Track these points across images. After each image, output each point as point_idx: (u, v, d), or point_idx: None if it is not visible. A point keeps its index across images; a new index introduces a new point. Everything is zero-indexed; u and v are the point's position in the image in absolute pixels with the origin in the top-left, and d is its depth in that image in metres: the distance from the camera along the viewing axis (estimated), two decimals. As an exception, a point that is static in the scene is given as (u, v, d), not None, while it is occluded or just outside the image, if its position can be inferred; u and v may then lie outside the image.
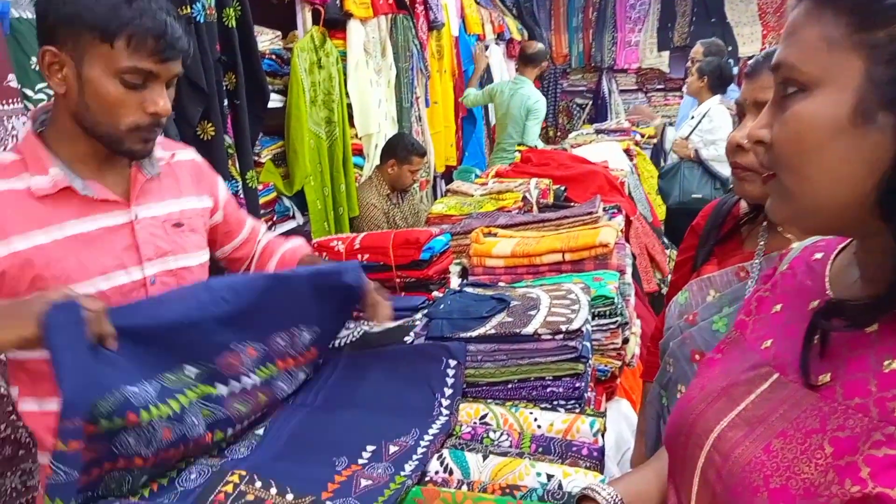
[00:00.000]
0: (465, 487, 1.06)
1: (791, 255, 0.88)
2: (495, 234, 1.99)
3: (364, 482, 1.03)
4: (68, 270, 1.18)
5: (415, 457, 1.11)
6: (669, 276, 3.33)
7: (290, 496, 0.78)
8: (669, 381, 1.35)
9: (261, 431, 1.19)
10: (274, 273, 1.25)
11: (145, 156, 1.26)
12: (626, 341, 1.62)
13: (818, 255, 0.82)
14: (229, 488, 0.76)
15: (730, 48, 6.82)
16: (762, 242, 1.30)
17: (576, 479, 1.06)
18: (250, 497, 0.76)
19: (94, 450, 0.89)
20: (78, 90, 1.16)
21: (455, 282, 1.87)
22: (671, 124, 5.54)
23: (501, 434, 1.18)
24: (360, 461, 1.10)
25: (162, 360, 1.06)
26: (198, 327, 1.11)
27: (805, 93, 0.66)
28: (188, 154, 1.46)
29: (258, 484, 0.77)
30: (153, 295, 1.07)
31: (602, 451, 1.15)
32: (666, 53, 8.07)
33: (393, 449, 1.13)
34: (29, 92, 1.77)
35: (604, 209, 2.23)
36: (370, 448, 1.13)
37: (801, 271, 0.83)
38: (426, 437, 1.16)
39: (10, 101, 1.71)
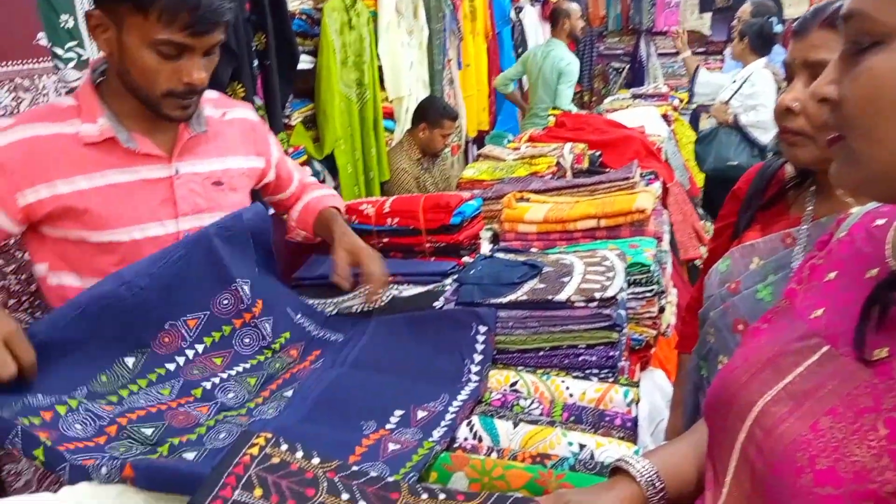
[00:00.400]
0: (494, 455, 1.04)
1: (850, 221, 0.82)
2: (528, 200, 1.94)
3: (392, 447, 1.02)
4: (105, 217, 1.24)
5: (443, 423, 1.10)
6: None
7: (315, 460, 0.76)
8: (709, 351, 1.31)
9: (289, 393, 1.18)
10: (182, 240, 1.23)
11: (184, 120, 1.30)
12: (661, 310, 1.58)
13: (880, 222, 0.76)
14: (254, 451, 0.75)
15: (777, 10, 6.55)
16: (810, 208, 1.24)
17: (609, 449, 1.03)
18: (276, 460, 0.74)
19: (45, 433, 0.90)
20: (119, 54, 1.20)
21: (486, 247, 1.83)
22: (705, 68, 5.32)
23: (532, 402, 1.15)
24: (388, 426, 1.09)
25: (87, 368, 1.05)
26: (123, 320, 1.09)
27: (881, 46, 0.60)
28: (241, 112, 1.49)
29: (284, 447, 0.76)
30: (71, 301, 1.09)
31: (636, 421, 1.12)
32: (708, 15, 7.80)
33: (421, 414, 1.12)
34: (59, 51, 1.76)
35: (640, 175, 2.16)
36: (398, 413, 1.12)
37: (859, 238, 0.78)
38: (455, 403, 1.14)
39: (40, 59, 1.70)
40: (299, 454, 0.76)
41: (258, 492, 0.70)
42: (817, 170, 1.20)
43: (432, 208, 1.71)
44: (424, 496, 0.73)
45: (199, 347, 1.17)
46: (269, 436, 0.77)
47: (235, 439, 0.78)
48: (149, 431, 0.97)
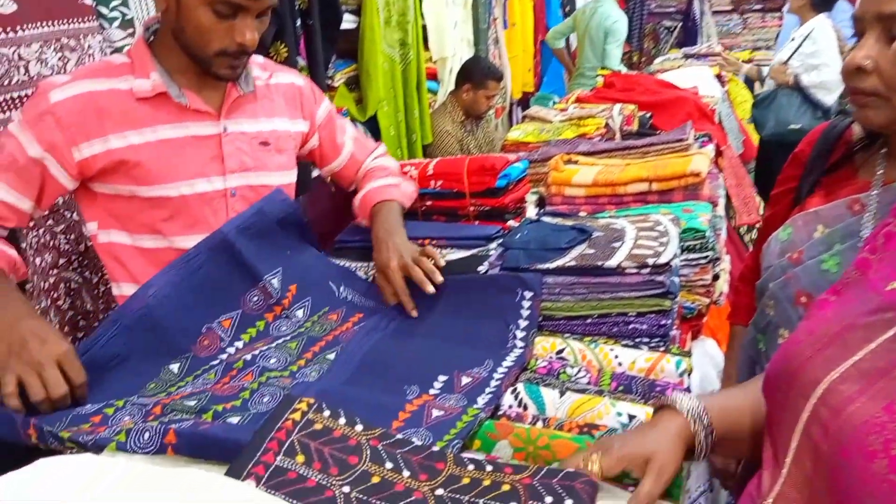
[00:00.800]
0: (539, 424, 1.01)
1: None
2: (576, 162, 1.88)
3: (436, 413, 1.00)
4: (155, 172, 1.27)
5: (488, 389, 1.07)
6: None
7: (359, 427, 0.74)
8: (769, 325, 1.25)
9: (331, 356, 1.17)
10: (199, 244, 1.23)
11: (233, 79, 1.32)
12: (715, 278, 1.52)
13: None
14: (297, 416, 0.73)
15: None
16: (880, 171, 1.16)
17: None
18: (318, 426, 0.73)
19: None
20: (176, 11, 1.22)
21: (531, 211, 1.79)
22: (769, 48, 5.09)
23: (579, 370, 1.12)
24: (432, 391, 1.07)
25: (135, 380, 1.08)
26: (159, 330, 1.12)
27: None
28: (288, 77, 1.50)
29: (326, 413, 0.74)
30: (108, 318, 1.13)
31: (688, 392, 1.07)
32: (765, -32, 7.43)
33: (465, 380, 1.10)
34: (104, 10, 1.75)
35: (694, 137, 2.07)
36: (442, 378, 1.10)
37: None
38: (500, 370, 1.12)
39: (86, 18, 1.70)
40: (342, 420, 0.74)
41: (300, 458, 0.69)
42: (889, 131, 1.12)
43: (477, 171, 1.67)
44: (471, 467, 0.71)
45: (239, 344, 1.19)
46: (312, 401, 0.75)
47: (277, 404, 0.76)
48: (192, 403, 0.98)
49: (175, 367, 1.12)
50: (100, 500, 0.59)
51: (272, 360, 1.15)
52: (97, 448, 0.85)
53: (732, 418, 0.84)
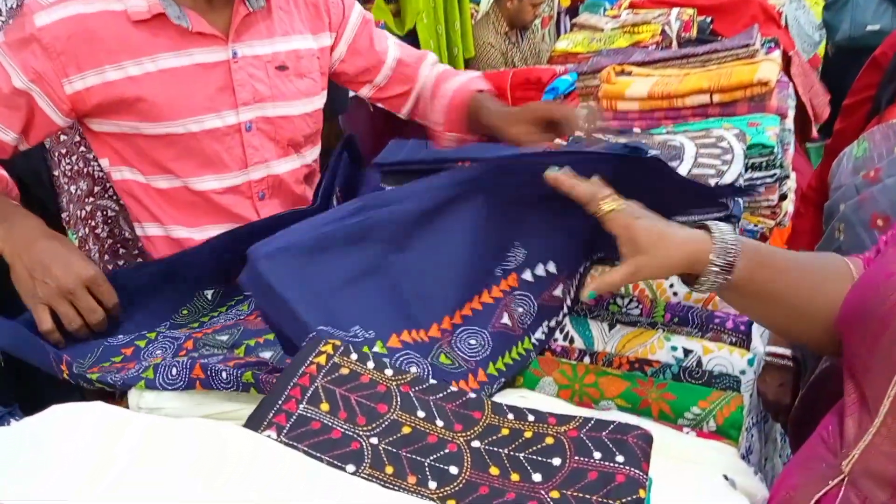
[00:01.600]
0: (587, 359, 0.95)
1: None
2: (629, 73, 1.76)
3: (504, 319, 0.92)
4: (158, 108, 1.15)
5: (550, 322, 0.98)
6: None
7: (388, 371, 0.69)
8: (838, 250, 1.15)
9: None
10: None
11: None
12: (783, 198, 1.39)
13: None
14: (321, 359, 0.68)
15: None
16: None
17: (718, 356, 0.92)
18: (345, 371, 0.67)
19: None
20: None
21: None
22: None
23: (630, 300, 1.04)
24: (526, 276, 0.97)
25: (168, 305, 1.05)
26: (201, 267, 1.07)
27: None
28: None
29: (354, 356, 0.69)
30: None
31: (750, 324, 0.99)
32: None
33: (556, 293, 0.99)
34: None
35: (760, 43, 1.90)
36: (551, 267, 0.99)
37: None
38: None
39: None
40: (370, 364, 0.68)
41: (325, 406, 0.64)
42: None
43: (521, 85, 1.58)
44: (510, 416, 0.65)
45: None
46: (338, 343, 0.70)
47: (302, 347, 0.71)
48: (224, 338, 0.95)
49: (209, 293, 1.08)
50: (118, 459, 0.55)
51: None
52: (125, 387, 0.83)
53: (765, 268, 0.77)
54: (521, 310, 0.96)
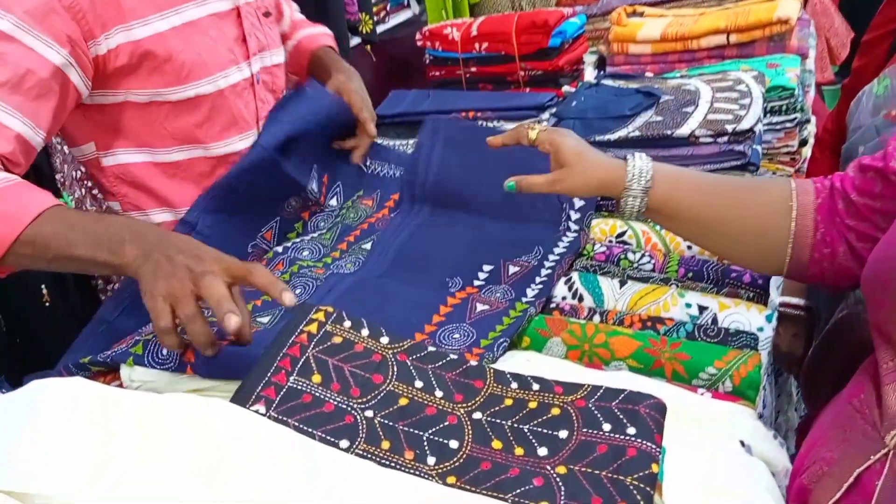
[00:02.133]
0: (597, 318, 0.91)
1: None
2: (641, 14, 1.70)
3: (480, 307, 0.91)
4: (188, 65, 1.05)
5: (538, 279, 0.97)
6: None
7: (384, 339, 0.65)
8: None
9: (367, 245, 1.08)
10: (242, 162, 1.09)
11: None
12: (803, 143, 1.33)
13: None
14: (313, 328, 0.64)
15: None
16: None
17: (735, 312, 0.88)
18: (337, 339, 0.64)
19: None
20: None
21: (590, 74, 1.64)
22: None
23: (642, 255, 1.00)
24: (476, 283, 0.98)
25: None
26: None
27: None
28: None
29: (347, 323, 0.65)
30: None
31: (768, 279, 0.94)
32: None
33: (513, 270, 0.99)
34: None
35: (780, -23, 1.81)
36: (487, 268, 1.00)
37: None
38: (551, 257, 1.00)
39: None
40: (365, 332, 0.64)
41: (316, 378, 0.60)
42: None
43: (527, 29, 1.52)
44: (514, 385, 0.61)
45: (279, 248, 1.10)
46: (330, 310, 0.65)
47: (291, 316, 0.67)
48: None
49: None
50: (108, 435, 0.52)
51: (304, 252, 1.07)
52: (115, 364, 0.78)
53: (684, 194, 0.84)
54: (496, 296, 0.96)
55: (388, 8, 2.90)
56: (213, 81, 1.08)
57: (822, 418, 0.75)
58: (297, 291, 0.95)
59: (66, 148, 1.55)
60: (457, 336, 0.87)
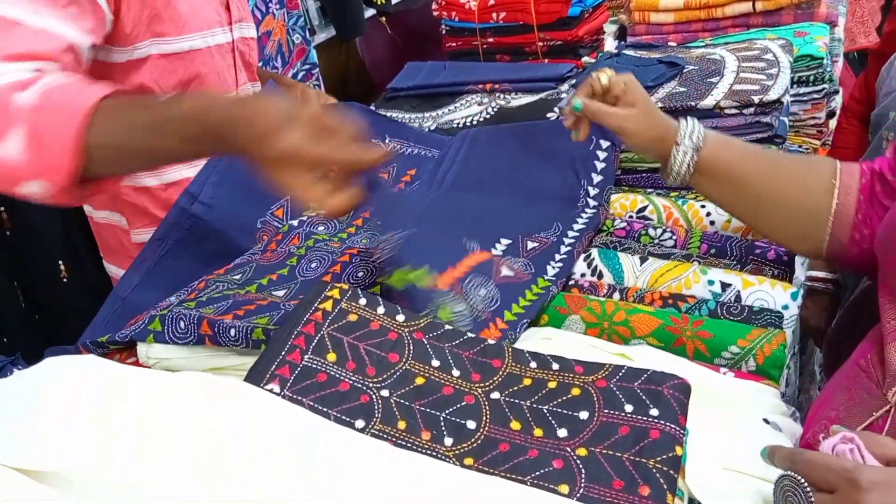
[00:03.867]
0: (616, 295, 0.89)
1: None
2: None
3: (505, 271, 0.89)
4: (185, 16, 1.08)
5: (558, 257, 0.95)
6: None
7: (400, 317, 0.64)
8: None
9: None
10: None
11: None
12: (831, 115, 1.30)
13: None
14: (328, 305, 0.63)
15: None
16: None
17: (760, 290, 0.85)
18: (353, 317, 0.62)
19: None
20: None
21: (611, 44, 1.61)
22: None
23: (664, 231, 0.98)
24: (495, 252, 0.96)
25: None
26: (212, 239, 1.04)
27: None
28: None
29: (362, 301, 0.64)
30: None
31: (793, 256, 0.92)
32: None
33: (531, 245, 0.97)
34: None
35: (808, -59, 1.74)
36: (505, 241, 0.98)
37: None
38: (570, 234, 0.98)
39: None
40: (381, 310, 0.63)
41: (331, 356, 0.59)
42: None
43: None
44: (533, 364, 0.60)
45: (294, 222, 1.08)
46: (346, 287, 0.64)
47: (306, 293, 0.66)
48: (237, 276, 0.90)
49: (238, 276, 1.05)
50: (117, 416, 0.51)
51: (320, 227, 1.05)
52: (135, 341, 0.78)
53: (733, 155, 0.85)
54: (518, 266, 0.93)
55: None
56: (203, 37, 1.12)
57: (830, 383, 0.74)
58: (314, 265, 0.94)
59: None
60: (482, 293, 0.85)
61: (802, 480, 0.50)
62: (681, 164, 0.84)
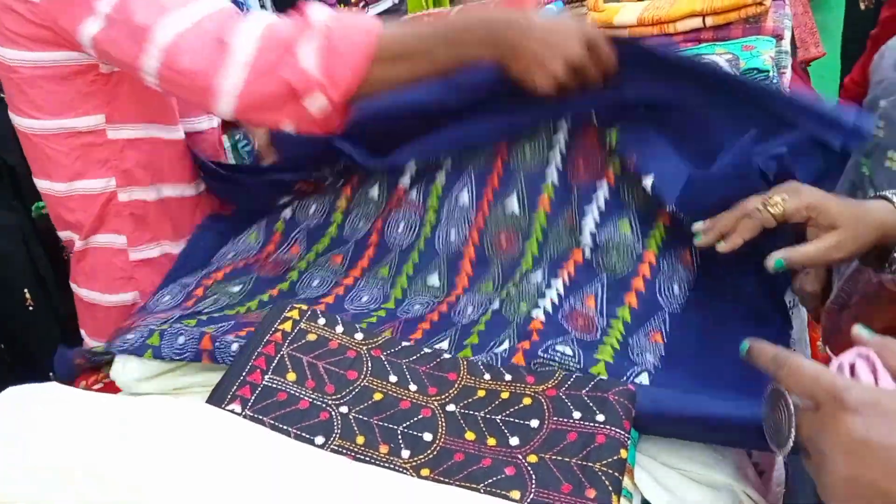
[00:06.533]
0: None
1: None
2: None
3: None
4: None
5: None
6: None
7: (359, 335, 0.65)
8: (876, 147, 1.07)
9: None
10: None
11: None
12: (779, 125, 1.33)
13: None
14: (287, 326, 0.64)
15: None
16: None
17: None
18: (312, 337, 0.64)
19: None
20: None
21: None
22: None
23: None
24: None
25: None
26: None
27: None
28: None
29: (321, 321, 0.66)
30: None
31: None
32: None
33: None
34: None
35: (756, -42, 1.79)
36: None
37: None
38: None
39: None
40: (339, 329, 0.65)
41: (291, 376, 0.61)
42: None
43: None
44: (487, 376, 0.62)
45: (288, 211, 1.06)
46: (304, 308, 0.66)
47: (265, 315, 0.67)
48: (237, 289, 0.88)
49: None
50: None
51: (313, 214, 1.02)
52: (132, 353, 0.76)
53: None
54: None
55: (368, -5, 2.87)
56: None
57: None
58: (315, 283, 0.90)
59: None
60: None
61: (787, 395, 0.45)
62: None
